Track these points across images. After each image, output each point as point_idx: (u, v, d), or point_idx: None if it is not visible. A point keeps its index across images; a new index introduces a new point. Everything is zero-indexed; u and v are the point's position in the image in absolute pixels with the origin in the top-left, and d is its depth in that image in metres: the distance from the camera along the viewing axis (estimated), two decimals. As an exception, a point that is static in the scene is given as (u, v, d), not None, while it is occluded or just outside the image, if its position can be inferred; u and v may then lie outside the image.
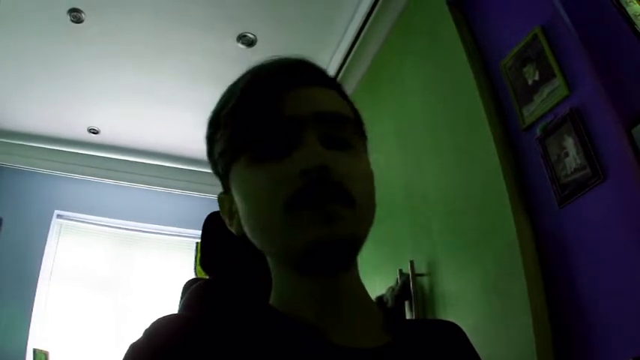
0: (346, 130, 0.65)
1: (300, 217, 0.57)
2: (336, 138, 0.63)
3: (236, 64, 3.19)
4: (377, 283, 2.42)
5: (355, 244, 0.61)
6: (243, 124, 0.63)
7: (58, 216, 4.33)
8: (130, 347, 0.54)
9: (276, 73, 0.66)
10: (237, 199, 0.65)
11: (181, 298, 0.73)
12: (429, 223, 2.14)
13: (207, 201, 4.14)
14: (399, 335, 0.65)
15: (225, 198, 0.70)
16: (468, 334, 0.75)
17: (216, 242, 0.72)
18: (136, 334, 0.56)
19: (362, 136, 0.70)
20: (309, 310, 0.61)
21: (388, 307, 0.74)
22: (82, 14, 2.92)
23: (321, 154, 0.59)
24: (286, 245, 0.59)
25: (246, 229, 0.65)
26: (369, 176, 0.65)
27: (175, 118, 3.96)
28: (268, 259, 0.67)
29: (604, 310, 1.36)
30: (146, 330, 0.56)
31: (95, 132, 4.23)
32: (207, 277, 0.90)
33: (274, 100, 0.63)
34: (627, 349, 1.26)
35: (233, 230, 0.69)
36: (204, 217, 1.09)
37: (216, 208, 0.73)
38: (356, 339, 0.60)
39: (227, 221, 0.70)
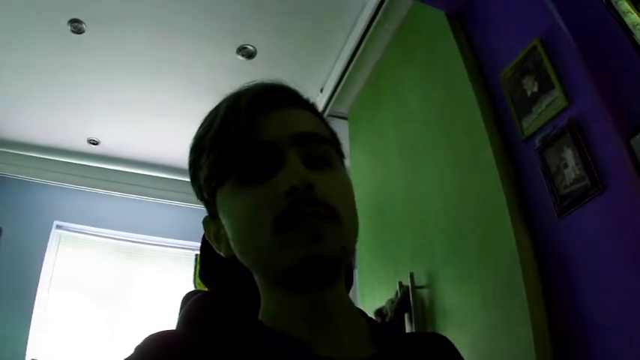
0: (324, 149, 0.67)
1: (288, 236, 0.58)
2: (315, 157, 0.65)
3: (236, 76, 3.23)
4: (377, 295, 2.41)
5: (344, 257, 0.62)
6: (226, 150, 0.64)
7: (58, 227, 4.32)
8: None
9: (252, 98, 0.67)
10: (225, 223, 0.67)
11: (180, 310, 0.73)
12: (428, 235, 2.14)
13: (206, 213, 4.11)
14: (386, 347, 0.66)
15: (210, 222, 0.71)
16: (467, 346, 0.75)
17: (215, 255, 0.72)
18: (134, 346, 0.57)
19: (339, 154, 0.72)
20: (297, 326, 0.62)
21: (375, 320, 0.74)
22: (83, 25, 2.93)
23: (304, 173, 0.61)
24: (276, 264, 0.60)
25: (236, 252, 0.66)
26: (350, 192, 0.68)
27: (175, 129, 3.96)
28: (256, 278, 0.68)
29: (604, 321, 1.35)
30: (137, 347, 0.56)
31: (95, 143, 4.23)
32: (206, 289, 0.90)
33: (252, 124, 0.64)
34: (629, 361, 1.26)
35: (222, 253, 0.70)
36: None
37: (215, 219, 0.73)
38: (343, 351, 0.61)
39: (214, 245, 0.72)
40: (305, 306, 0.63)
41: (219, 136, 0.66)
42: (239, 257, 0.66)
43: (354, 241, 0.65)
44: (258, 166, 0.63)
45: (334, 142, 0.72)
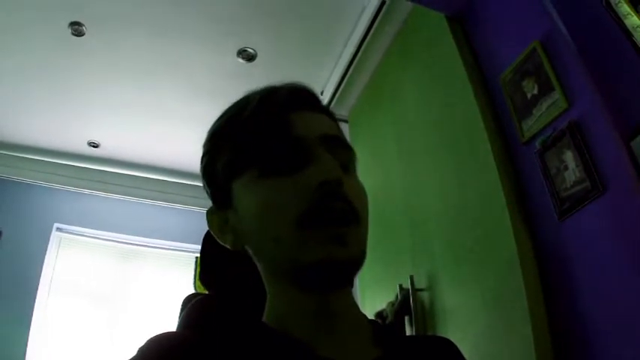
0: (347, 154, 0.69)
1: (313, 234, 0.59)
2: (340, 160, 0.66)
3: (236, 78, 3.24)
4: (377, 298, 2.40)
5: (363, 261, 0.64)
6: (256, 138, 0.65)
7: (58, 229, 4.32)
8: None
9: (289, 94, 0.69)
10: (241, 211, 0.66)
11: (180, 313, 0.73)
12: (429, 237, 2.14)
13: (205, 215, 4.11)
14: (390, 350, 0.65)
15: (215, 214, 0.71)
16: (467, 348, 0.74)
17: (216, 257, 0.72)
18: (134, 348, 0.57)
19: (354, 161, 0.73)
20: (302, 327, 0.62)
21: (380, 323, 0.74)
22: (83, 27, 2.93)
23: (338, 169, 0.62)
24: (295, 259, 0.60)
25: (249, 243, 0.65)
26: (366, 198, 0.69)
27: (175, 132, 3.96)
28: (264, 274, 0.67)
29: (605, 323, 1.35)
30: (140, 348, 0.57)
31: (95, 145, 4.23)
32: (206, 292, 0.90)
33: (287, 118, 0.65)
34: (629, 364, 1.26)
35: (228, 245, 0.69)
36: (204, 231, 1.09)
37: (217, 222, 0.73)
38: (346, 353, 0.61)
39: (218, 237, 0.71)
40: (312, 306, 0.62)
41: (249, 123, 0.66)
42: (251, 249, 0.66)
43: (367, 244, 0.66)
44: (286, 158, 0.63)
45: (351, 148, 0.73)
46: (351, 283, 0.67)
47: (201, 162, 0.73)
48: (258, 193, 0.63)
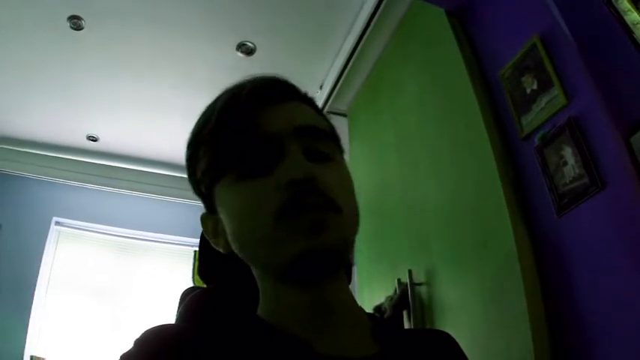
0: (324, 142, 0.67)
1: (289, 226, 0.58)
2: (316, 150, 0.64)
3: (235, 72, 3.18)
4: (376, 292, 2.41)
5: (346, 249, 0.62)
6: (226, 142, 0.64)
7: (57, 223, 4.32)
8: (120, 358, 0.54)
9: (252, 90, 0.67)
10: (224, 216, 0.66)
11: (178, 306, 0.73)
12: (427, 232, 2.14)
13: (204, 209, 4.11)
14: (388, 345, 0.65)
15: (208, 218, 0.71)
16: (465, 342, 0.74)
17: (214, 251, 0.72)
18: (133, 339, 0.57)
19: (339, 147, 0.71)
20: (296, 322, 0.61)
21: (378, 317, 0.74)
22: (82, 21, 2.93)
23: (306, 165, 0.60)
24: (277, 256, 0.60)
25: (235, 246, 0.65)
26: (350, 184, 0.67)
27: (174, 126, 3.96)
28: (255, 272, 0.67)
29: (603, 318, 1.36)
30: (136, 340, 0.56)
31: (94, 139, 4.23)
32: (204, 285, 0.90)
33: (253, 117, 0.64)
34: (627, 359, 1.26)
35: (220, 249, 0.69)
36: (202, 225, 1.08)
37: (214, 216, 0.73)
38: (343, 349, 0.61)
39: (212, 241, 0.71)
40: (306, 301, 0.62)
41: (218, 128, 0.65)
42: (238, 252, 0.65)
43: (355, 234, 0.64)
44: (258, 158, 0.62)
45: (334, 135, 0.71)
46: (340, 275, 0.66)
47: (186, 168, 0.73)
48: (236, 196, 0.63)
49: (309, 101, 0.73)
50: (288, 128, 0.64)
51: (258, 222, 0.60)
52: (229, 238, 0.66)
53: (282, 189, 0.59)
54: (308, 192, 0.59)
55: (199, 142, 0.69)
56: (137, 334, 0.57)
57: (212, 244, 0.71)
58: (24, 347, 3.67)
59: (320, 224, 0.58)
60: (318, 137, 0.66)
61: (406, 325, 2.11)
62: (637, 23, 1.32)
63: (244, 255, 0.65)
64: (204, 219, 0.72)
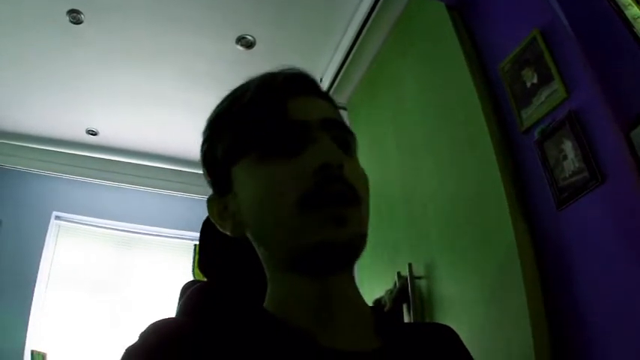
0: (348, 138, 0.69)
1: (313, 217, 0.59)
2: (344, 141, 0.67)
3: (235, 66, 3.23)
4: (375, 286, 2.41)
5: (364, 244, 0.64)
6: (255, 120, 0.65)
7: (57, 217, 4.32)
8: (125, 351, 0.55)
9: (288, 77, 0.69)
10: (242, 197, 0.66)
11: (179, 300, 0.73)
12: (427, 226, 2.14)
13: (205, 203, 4.10)
14: (391, 339, 0.65)
15: (215, 201, 0.71)
16: (465, 336, 0.75)
17: (214, 244, 0.72)
18: (134, 336, 0.57)
19: (355, 146, 0.73)
20: (303, 314, 0.62)
21: (382, 311, 0.75)
22: (82, 15, 2.92)
23: (338, 152, 0.62)
24: (296, 243, 0.60)
25: (250, 228, 0.65)
26: (367, 181, 0.68)
27: (174, 120, 3.95)
28: (265, 259, 0.67)
29: (603, 312, 1.36)
30: (141, 333, 0.57)
31: (94, 133, 4.22)
32: (205, 279, 0.91)
33: (285, 102, 0.66)
34: (627, 356, 1.26)
35: (228, 232, 0.69)
36: (203, 219, 1.09)
37: (215, 209, 0.73)
38: (347, 342, 0.61)
39: (218, 223, 0.71)
40: (314, 291, 0.63)
41: (248, 109, 0.67)
42: (252, 234, 0.66)
43: (368, 227, 0.66)
44: (286, 142, 0.63)
45: (352, 133, 0.73)
46: (351, 269, 0.67)
47: (201, 149, 0.73)
48: (258, 177, 0.63)
49: (331, 100, 0.75)
50: (317, 118, 0.66)
51: (279, 205, 0.61)
52: (243, 221, 0.66)
53: (309, 174, 0.60)
54: (336, 179, 0.60)
55: (225, 120, 0.70)
56: (142, 328, 0.58)
57: (218, 227, 0.71)
58: (24, 342, 3.68)
59: (342, 218, 0.59)
60: (342, 132, 0.68)
61: (406, 319, 2.11)
62: (637, 17, 1.32)
63: (259, 238, 0.65)
64: (210, 202, 0.72)
